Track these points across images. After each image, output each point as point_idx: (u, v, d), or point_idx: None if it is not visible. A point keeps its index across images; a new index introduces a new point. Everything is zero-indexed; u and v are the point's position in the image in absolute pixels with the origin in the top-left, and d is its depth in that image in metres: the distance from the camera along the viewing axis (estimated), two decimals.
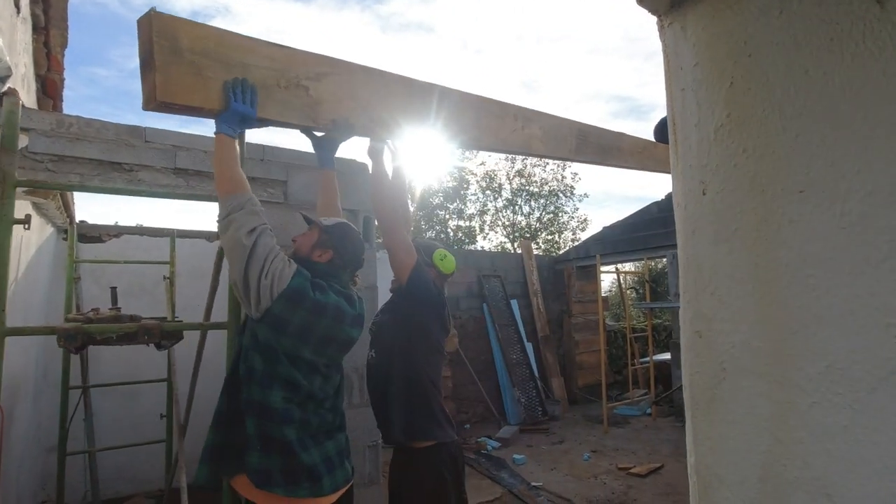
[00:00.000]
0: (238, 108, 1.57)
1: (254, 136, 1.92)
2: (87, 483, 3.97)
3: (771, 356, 0.67)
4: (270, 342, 1.59)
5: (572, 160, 3.18)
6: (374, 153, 2.10)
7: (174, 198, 2.16)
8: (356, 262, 1.90)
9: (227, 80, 1.60)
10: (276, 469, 1.53)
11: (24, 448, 3.38)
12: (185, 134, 2.74)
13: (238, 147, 1.67)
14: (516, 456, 5.29)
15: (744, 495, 0.69)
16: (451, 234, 16.99)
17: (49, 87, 3.32)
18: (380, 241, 3.82)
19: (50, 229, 4.01)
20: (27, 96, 2.79)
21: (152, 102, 1.54)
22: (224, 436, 1.59)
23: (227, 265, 1.63)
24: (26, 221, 1.51)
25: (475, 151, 16.92)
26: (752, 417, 0.69)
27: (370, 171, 2.12)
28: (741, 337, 0.70)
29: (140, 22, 1.56)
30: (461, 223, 17.38)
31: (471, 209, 17.52)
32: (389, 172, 2.19)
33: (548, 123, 2.75)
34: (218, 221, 1.60)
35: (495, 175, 17.27)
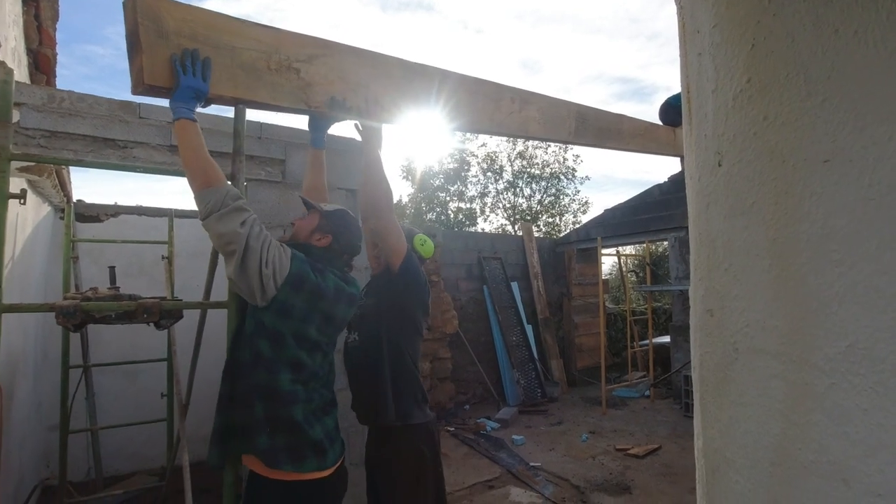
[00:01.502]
0: (189, 83, 1.46)
1: (252, 114, 1.87)
2: (89, 460, 4.01)
3: (787, 335, 0.64)
4: (277, 327, 1.60)
5: (571, 143, 3.13)
6: (368, 136, 2.05)
7: (169, 174, 2.11)
8: (353, 248, 1.91)
9: (174, 53, 1.49)
10: (282, 448, 1.57)
11: (25, 427, 3.39)
12: None
13: (200, 132, 1.55)
14: (515, 437, 5.33)
15: (755, 479, 0.66)
16: (452, 216, 16.92)
17: (41, 62, 3.25)
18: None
19: (47, 208, 3.97)
20: (18, 71, 2.72)
21: (140, 86, 1.50)
22: (230, 418, 1.60)
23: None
24: (22, 196, 1.48)
25: (474, 134, 16.74)
26: (766, 399, 0.66)
27: (364, 154, 2.07)
28: (755, 315, 0.66)
29: (125, 3, 1.51)
30: (462, 205, 17.30)
31: (472, 191, 17.43)
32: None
33: (546, 105, 2.69)
34: (201, 219, 1.53)
35: (496, 157, 17.14)
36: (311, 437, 1.62)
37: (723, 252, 0.70)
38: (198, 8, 1.65)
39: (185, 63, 1.47)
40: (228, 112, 2.00)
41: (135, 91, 1.57)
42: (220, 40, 1.65)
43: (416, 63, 2.20)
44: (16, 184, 2.85)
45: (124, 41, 1.54)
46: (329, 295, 1.70)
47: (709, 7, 0.72)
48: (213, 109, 2.64)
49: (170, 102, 1.50)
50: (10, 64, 2.28)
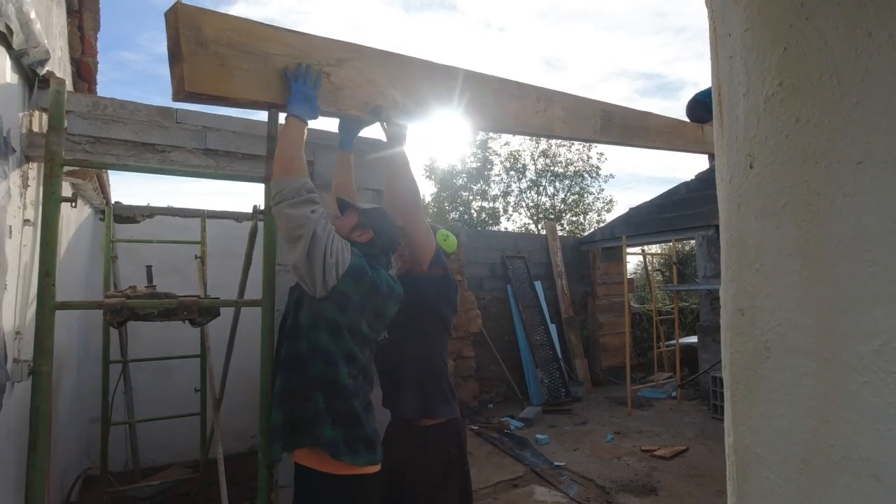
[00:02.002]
0: (301, 88, 1.67)
1: (281, 117, 1.94)
2: (127, 452, 4.17)
3: (819, 334, 0.65)
4: (336, 318, 1.65)
5: (596, 141, 3.11)
6: (396, 137, 2.09)
7: (205, 177, 2.20)
8: (393, 244, 1.97)
9: (287, 67, 1.69)
10: (342, 440, 1.60)
11: (68, 418, 3.56)
12: (214, 115, 2.77)
13: (305, 133, 1.72)
14: (539, 436, 5.33)
15: (786, 475, 0.68)
16: (475, 215, 16.92)
17: (84, 70, 3.40)
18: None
19: (87, 210, 4.14)
20: (63, 78, 2.85)
21: (181, 93, 1.58)
22: (291, 411, 1.62)
23: (284, 247, 1.66)
24: (73, 199, 1.57)
25: (499, 133, 16.70)
26: (797, 397, 0.67)
27: (391, 155, 2.10)
28: (787, 314, 0.68)
29: (167, 14, 1.59)
30: (485, 204, 17.28)
31: (494, 190, 17.38)
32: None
33: (571, 104, 2.69)
34: (273, 202, 1.62)
35: (519, 155, 17.06)
36: (366, 430, 1.66)
37: (754, 252, 0.71)
38: (234, 16, 1.72)
39: (296, 74, 1.69)
40: (258, 115, 2.08)
41: (175, 98, 1.65)
42: (256, 47, 1.72)
43: (441, 64, 2.23)
44: (63, 187, 3.00)
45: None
46: (383, 290, 1.76)
47: (740, 11, 0.73)
48: (243, 113, 2.73)
49: (288, 106, 1.70)
50: (57, 73, 2.41)
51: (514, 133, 2.83)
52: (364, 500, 1.65)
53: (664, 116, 3.42)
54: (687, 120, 3.64)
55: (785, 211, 0.68)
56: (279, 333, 1.77)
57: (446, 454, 2.05)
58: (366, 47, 2.01)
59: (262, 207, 1.87)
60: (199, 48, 1.60)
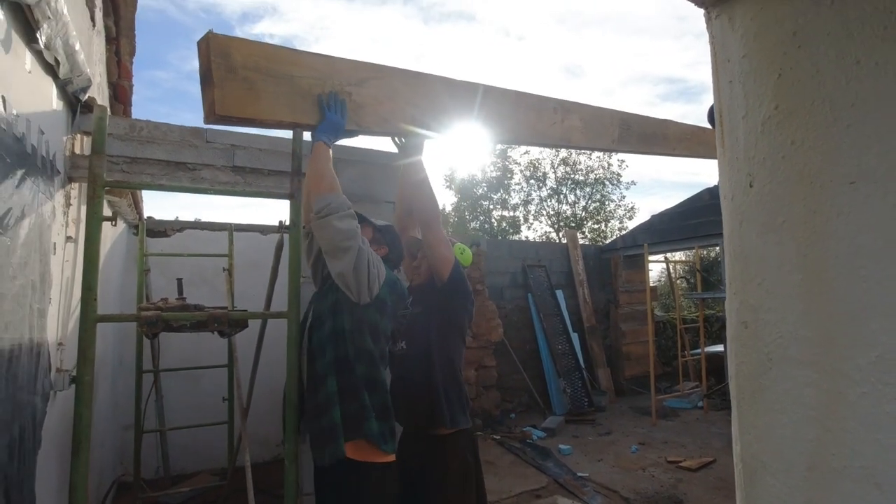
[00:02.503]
0: (332, 118, 1.78)
1: (304, 134, 2.03)
2: (158, 459, 4.31)
3: (819, 346, 0.67)
4: (377, 323, 1.81)
5: (615, 150, 3.13)
6: (415, 149, 2.15)
7: (234, 195, 2.30)
8: (401, 261, 2.15)
9: (320, 94, 1.79)
10: (383, 431, 1.76)
11: (104, 426, 3.70)
12: (241, 133, 2.89)
13: (330, 154, 1.86)
14: (562, 446, 5.29)
15: (790, 483, 0.70)
16: (496, 224, 16.94)
17: (120, 93, 3.58)
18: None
19: (122, 225, 4.33)
20: (101, 103, 3.02)
21: (212, 116, 1.68)
22: (344, 411, 1.73)
23: (329, 258, 1.78)
24: (113, 219, 1.67)
25: (518, 145, 16.72)
26: (800, 406, 0.69)
27: (410, 168, 2.17)
28: (788, 327, 0.70)
29: (199, 43, 1.70)
30: (505, 213, 17.30)
31: (515, 199, 17.40)
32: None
33: (588, 114, 2.71)
34: (315, 219, 1.75)
35: (539, 164, 17.06)
36: (393, 422, 1.83)
37: (756, 267, 0.75)
38: (261, 43, 1.82)
39: (329, 103, 1.79)
40: (283, 133, 2.16)
41: (207, 121, 1.75)
42: (281, 70, 1.80)
43: (459, 80, 2.30)
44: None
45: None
46: (406, 300, 1.97)
47: (738, 38, 0.77)
48: (269, 131, 2.84)
49: (315, 132, 1.80)
50: (97, 98, 2.56)
51: (532, 144, 2.87)
52: (396, 484, 1.85)
53: (684, 124, 3.41)
54: (708, 126, 3.62)
55: (784, 228, 0.71)
56: (306, 334, 1.87)
57: (465, 462, 2.09)
58: (385, 66, 2.09)
59: (287, 223, 1.95)
60: (229, 74, 1.69)
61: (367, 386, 1.75)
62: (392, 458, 1.80)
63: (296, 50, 1.90)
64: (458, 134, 2.27)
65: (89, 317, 1.48)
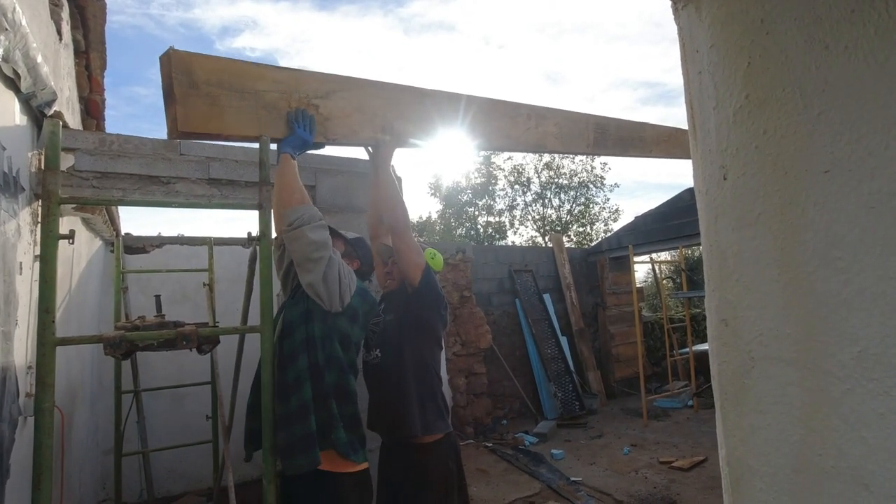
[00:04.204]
0: (301, 134, 1.81)
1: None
2: (142, 482, 4.18)
3: (800, 343, 0.65)
4: (347, 331, 1.83)
5: (591, 154, 3.19)
6: (383, 158, 2.13)
7: (209, 207, 2.25)
8: (371, 271, 2.23)
9: (288, 111, 1.82)
10: (350, 441, 1.77)
11: (84, 450, 3.58)
12: (216, 145, 2.83)
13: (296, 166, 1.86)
14: (554, 451, 5.25)
15: (777, 486, 0.67)
16: (482, 230, 16.95)
17: (92, 107, 3.50)
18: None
19: (98, 242, 4.23)
20: (72, 118, 2.95)
21: (175, 133, 1.67)
22: (315, 420, 1.71)
23: (300, 270, 1.76)
24: (70, 237, 1.60)
25: (493, 151, 16.81)
26: (783, 406, 0.67)
27: (379, 176, 2.16)
28: (768, 324, 0.68)
29: (161, 59, 1.68)
30: (491, 219, 17.32)
31: (500, 204, 17.44)
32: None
33: (563, 119, 2.74)
34: (287, 230, 1.73)
35: (523, 169, 17.14)
36: (362, 431, 1.84)
37: (733, 263, 0.72)
38: (223, 58, 1.80)
39: (297, 118, 1.82)
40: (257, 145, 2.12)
41: (170, 137, 1.72)
42: (245, 85, 1.79)
43: (428, 89, 2.30)
44: (71, 221, 3.07)
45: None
46: (377, 309, 2.02)
47: (706, 28, 0.75)
48: (244, 143, 2.79)
49: (280, 144, 1.81)
50: (65, 112, 2.49)
51: (507, 150, 2.94)
52: (369, 492, 1.86)
53: (661, 126, 3.44)
54: (685, 127, 3.66)
55: (760, 221, 0.68)
56: (278, 343, 1.83)
57: (446, 470, 2.07)
58: (352, 78, 2.09)
59: (255, 234, 1.91)
60: (192, 90, 1.68)
61: (336, 395, 1.74)
62: (363, 466, 1.80)
63: (260, 64, 1.89)
64: (430, 142, 2.26)
65: (48, 340, 1.41)
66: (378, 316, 2.20)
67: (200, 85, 1.66)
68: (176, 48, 1.66)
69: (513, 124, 2.48)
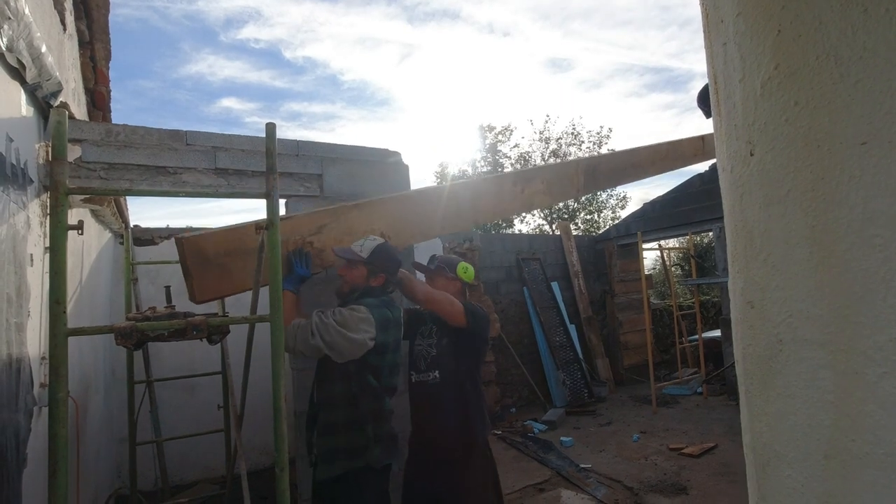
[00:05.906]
0: (300, 272, 2.09)
1: (289, 132, 2.11)
2: (156, 470, 4.23)
3: (833, 324, 0.62)
4: (377, 363, 2.02)
5: (582, 195, 3.42)
6: (399, 279, 2.31)
7: (217, 196, 2.24)
8: (398, 267, 2.27)
9: (289, 251, 2.09)
10: (383, 453, 2.01)
11: (98, 439, 3.63)
12: (223, 135, 2.81)
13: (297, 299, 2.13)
14: (563, 438, 5.26)
15: (807, 473, 0.65)
16: None
17: (97, 99, 3.49)
18: None
19: (107, 235, 4.24)
20: (78, 109, 2.93)
21: (194, 301, 1.95)
22: (346, 441, 1.97)
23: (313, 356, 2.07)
24: (79, 227, 1.60)
25: (508, 134, 16.73)
26: (814, 390, 0.64)
27: (402, 288, 2.36)
28: (798, 305, 0.65)
29: (176, 240, 1.94)
30: None
31: None
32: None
33: (550, 174, 2.94)
34: (290, 346, 2.00)
35: (530, 157, 16.99)
36: (398, 442, 2.10)
37: (760, 242, 0.69)
38: (226, 230, 2.07)
39: (296, 258, 2.09)
40: (264, 133, 2.12)
41: (191, 300, 2.01)
42: (248, 245, 2.05)
43: (413, 192, 2.56)
44: (80, 213, 3.08)
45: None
46: (402, 323, 2.19)
47: None
48: (251, 130, 2.80)
49: (283, 282, 1.95)
50: (71, 103, 2.48)
51: (494, 220, 3.33)
52: (387, 482, 2.09)
53: (655, 145, 3.46)
54: (684, 137, 3.69)
55: (789, 198, 0.65)
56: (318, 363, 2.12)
57: (493, 468, 2.37)
58: (339, 208, 2.33)
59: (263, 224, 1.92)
60: (205, 265, 1.96)
61: (372, 418, 1.98)
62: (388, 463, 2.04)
63: (256, 221, 2.09)
64: (423, 237, 2.54)
65: (59, 331, 1.41)
66: (430, 338, 2.41)
67: (212, 258, 1.94)
68: (181, 236, 1.95)
69: (498, 199, 2.75)
